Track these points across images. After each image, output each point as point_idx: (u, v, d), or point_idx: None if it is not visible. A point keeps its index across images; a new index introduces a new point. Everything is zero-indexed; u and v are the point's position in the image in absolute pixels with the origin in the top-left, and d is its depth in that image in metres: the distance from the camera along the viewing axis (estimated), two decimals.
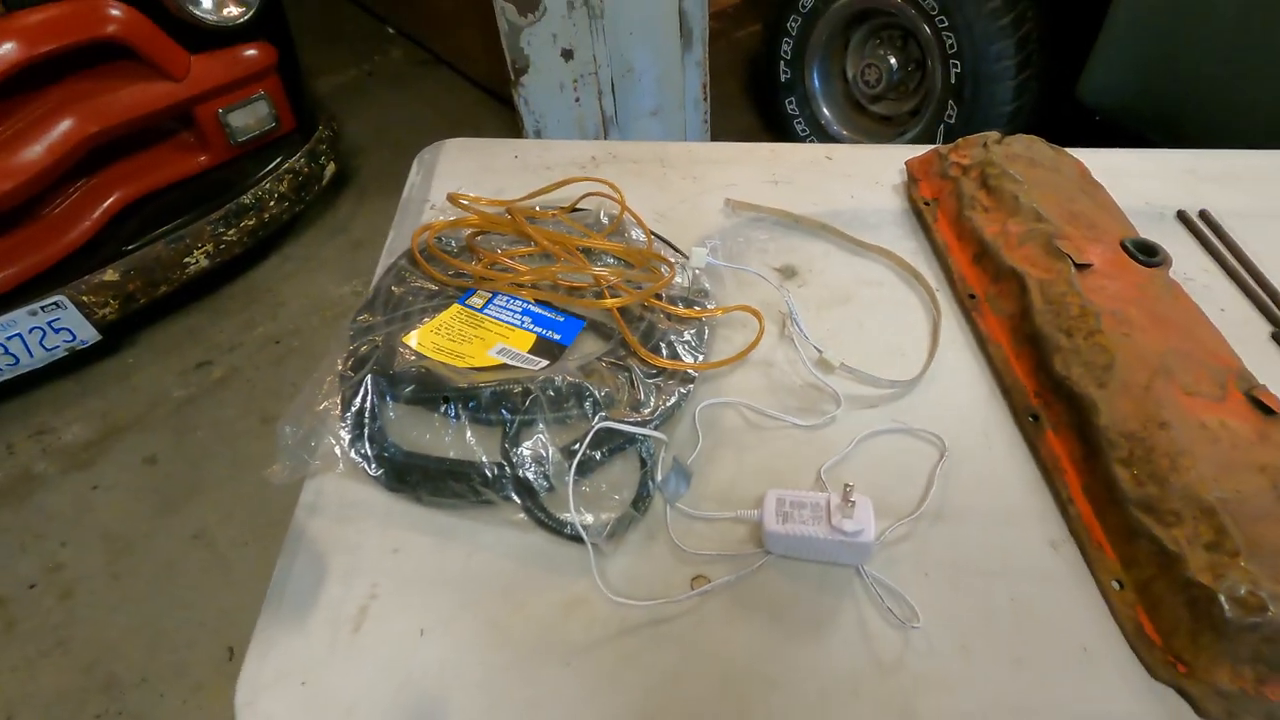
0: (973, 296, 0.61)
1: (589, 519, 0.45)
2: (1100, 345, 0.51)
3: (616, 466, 0.49)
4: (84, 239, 1.49)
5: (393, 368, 0.48)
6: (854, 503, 0.44)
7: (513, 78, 1.77)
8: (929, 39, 1.67)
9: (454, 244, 0.62)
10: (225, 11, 1.54)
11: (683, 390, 0.51)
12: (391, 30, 2.78)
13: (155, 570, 1.31)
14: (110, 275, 1.49)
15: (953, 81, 1.65)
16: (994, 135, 0.69)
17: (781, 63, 1.99)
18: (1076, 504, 0.48)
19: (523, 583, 0.44)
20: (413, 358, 0.49)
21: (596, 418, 0.46)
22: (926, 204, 0.70)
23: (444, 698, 0.40)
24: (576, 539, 0.45)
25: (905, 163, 0.73)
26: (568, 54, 1.77)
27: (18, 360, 1.43)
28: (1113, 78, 1.38)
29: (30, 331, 1.42)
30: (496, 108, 2.38)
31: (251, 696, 0.40)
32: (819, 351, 0.56)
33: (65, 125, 1.39)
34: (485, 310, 0.56)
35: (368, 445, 0.47)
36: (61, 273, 1.45)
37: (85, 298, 1.46)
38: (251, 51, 1.64)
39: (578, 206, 0.67)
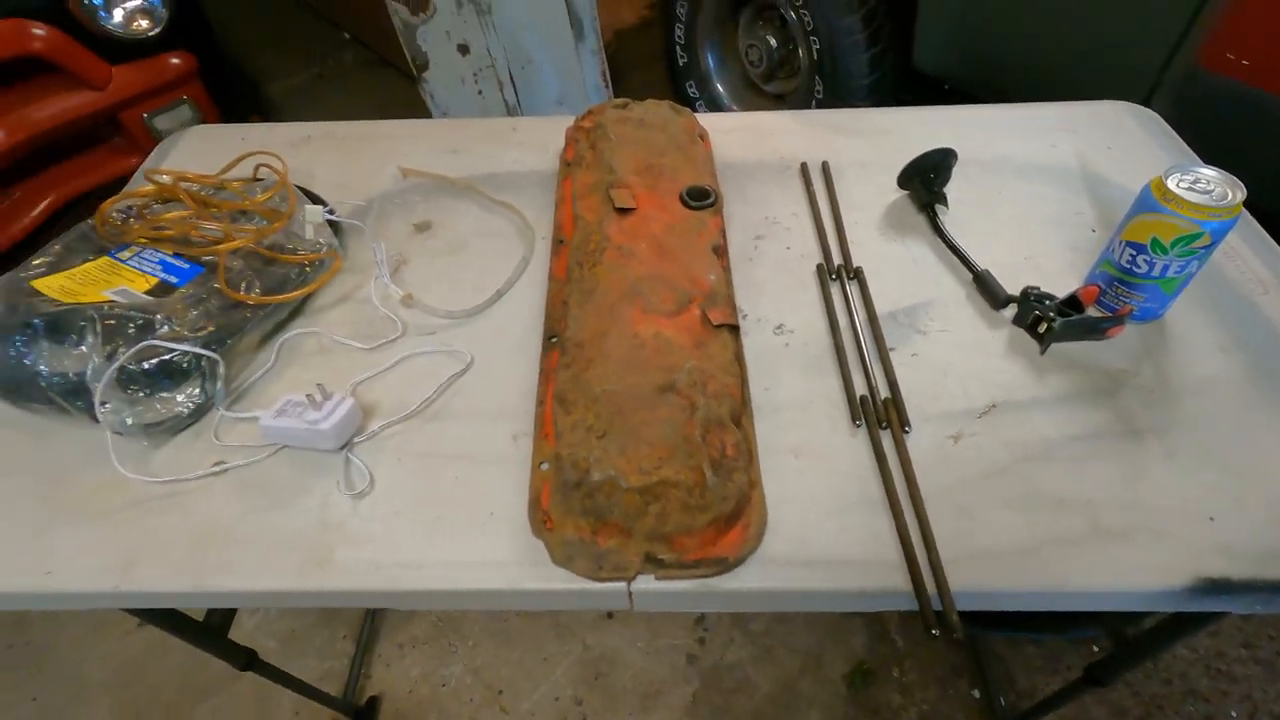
0: (561, 241, 0.70)
1: (130, 419, 0.56)
2: (595, 274, 0.60)
3: (182, 381, 0.60)
4: (23, 235, 1.69)
5: None
6: (319, 400, 0.54)
7: (416, 73, 1.89)
8: (794, 19, 1.73)
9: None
10: (135, 25, 1.71)
11: (249, 316, 0.62)
12: (347, 35, 2.95)
13: None
14: None
15: (815, 58, 1.70)
16: (621, 101, 0.78)
17: (677, 48, 2.07)
18: (546, 405, 0.57)
19: (68, 468, 0.56)
20: (28, 295, 0.62)
21: (150, 337, 0.57)
22: (568, 165, 0.78)
23: None
24: (118, 432, 0.56)
25: (566, 130, 0.82)
26: (463, 49, 1.89)
27: None
28: (935, 46, 1.42)
29: None
30: None
31: None
32: (399, 292, 0.66)
33: None
34: (129, 261, 0.67)
35: None
36: (2, 269, 1.65)
37: None
38: (174, 60, 1.82)
39: (258, 176, 0.78)
